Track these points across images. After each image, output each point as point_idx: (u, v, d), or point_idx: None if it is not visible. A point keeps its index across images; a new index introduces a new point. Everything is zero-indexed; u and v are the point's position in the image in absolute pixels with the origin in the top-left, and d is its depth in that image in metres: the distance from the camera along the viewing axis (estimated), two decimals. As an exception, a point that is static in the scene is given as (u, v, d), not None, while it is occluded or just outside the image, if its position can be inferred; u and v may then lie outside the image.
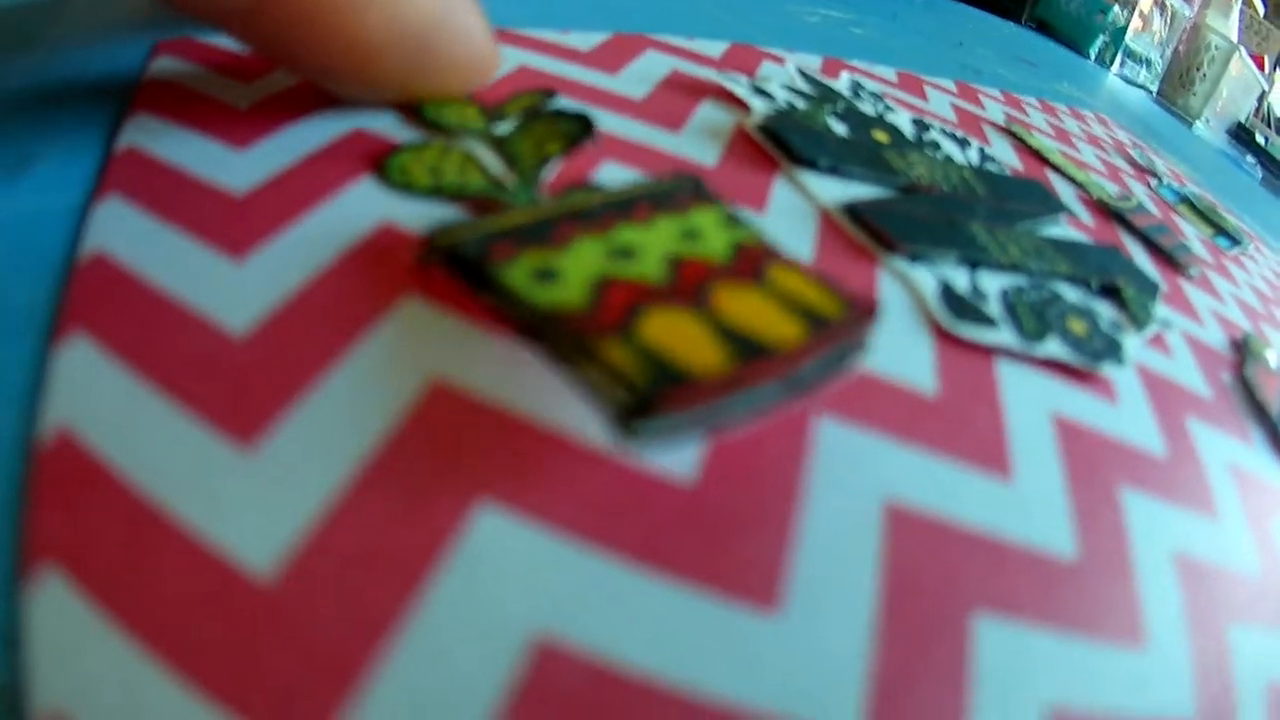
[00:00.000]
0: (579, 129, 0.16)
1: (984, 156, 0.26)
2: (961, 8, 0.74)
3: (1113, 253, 0.22)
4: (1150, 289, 0.22)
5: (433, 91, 0.15)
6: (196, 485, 0.09)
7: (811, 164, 0.20)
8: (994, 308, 0.17)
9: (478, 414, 0.10)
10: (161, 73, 0.15)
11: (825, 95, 0.24)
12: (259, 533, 0.08)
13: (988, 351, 0.16)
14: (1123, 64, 0.85)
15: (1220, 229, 0.37)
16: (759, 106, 0.22)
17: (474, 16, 0.14)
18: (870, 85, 0.27)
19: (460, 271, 0.11)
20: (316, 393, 0.10)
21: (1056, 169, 0.30)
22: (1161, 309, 0.21)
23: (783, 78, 0.24)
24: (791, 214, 0.18)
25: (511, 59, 0.20)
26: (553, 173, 0.15)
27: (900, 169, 0.21)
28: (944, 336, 0.16)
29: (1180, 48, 0.86)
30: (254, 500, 0.09)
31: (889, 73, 0.33)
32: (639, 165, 0.17)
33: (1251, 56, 0.93)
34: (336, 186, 0.13)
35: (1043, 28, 0.92)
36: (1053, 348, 0.16)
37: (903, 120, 0.25)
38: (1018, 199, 0.23)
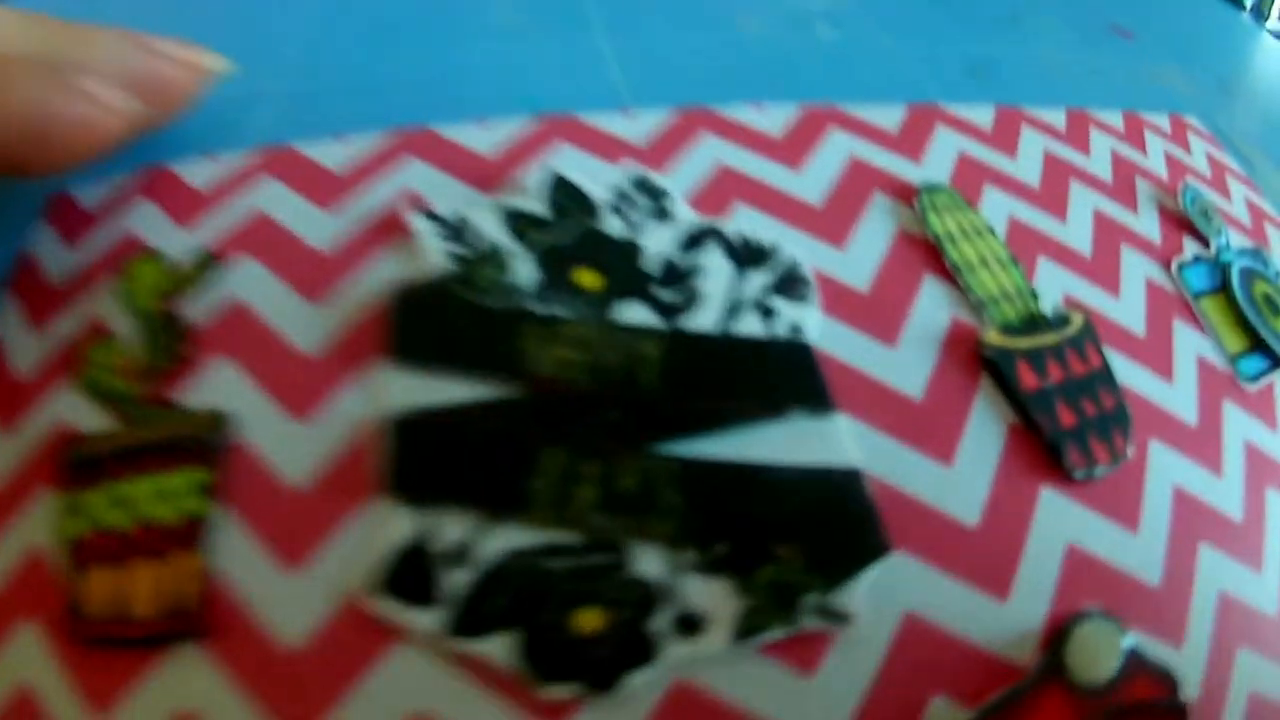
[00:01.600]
0: (176, 344, 0.17)
1: (777, 284, 0.19)
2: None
3: (839, 490, 0.16)
4: (851, 559, 0.15)
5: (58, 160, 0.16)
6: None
7: (404, 359, 0.17)
8: (457, 580, 0.14)
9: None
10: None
11: (560, 212, 0.19)
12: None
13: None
14: (1288, 11, 0.67)
15: (1259, 341, 0.26)
16: (434, 254, 0.18)
17: (70, 99, 0.16)
18: (658, 180, 0.20)
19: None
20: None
21: (953, 273, 0.21)
22: (855, 595, 0.15)
23: (523, 191, 0.19)
24: (333, 427, 0.16)
25: (248, 201, 0.19)
26: (159, 385, 0.16)
27: (530, 356, 0.16)
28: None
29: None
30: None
31: (777, 120, 0.24)
32: (245, 364, 0.17)
33: None
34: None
35: (1198, -35, 0.74)
36: (490, 646, 0.14)
37: (664, 238, 0.19)
38: (727, 390, 0.17)
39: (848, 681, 0.14)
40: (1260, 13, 0.66)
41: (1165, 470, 0.20)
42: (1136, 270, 0.26)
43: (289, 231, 0.19)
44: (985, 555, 0.16)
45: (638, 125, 0.22)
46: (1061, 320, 0.21)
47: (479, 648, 0.13)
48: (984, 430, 0.18)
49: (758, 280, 0.18)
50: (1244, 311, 0.27)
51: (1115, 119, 0.34)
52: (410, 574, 0.14)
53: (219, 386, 0.16)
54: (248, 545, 0.15)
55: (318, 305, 0.17)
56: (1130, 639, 0.15)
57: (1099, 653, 0.15)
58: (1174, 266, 0.27)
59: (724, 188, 0.21)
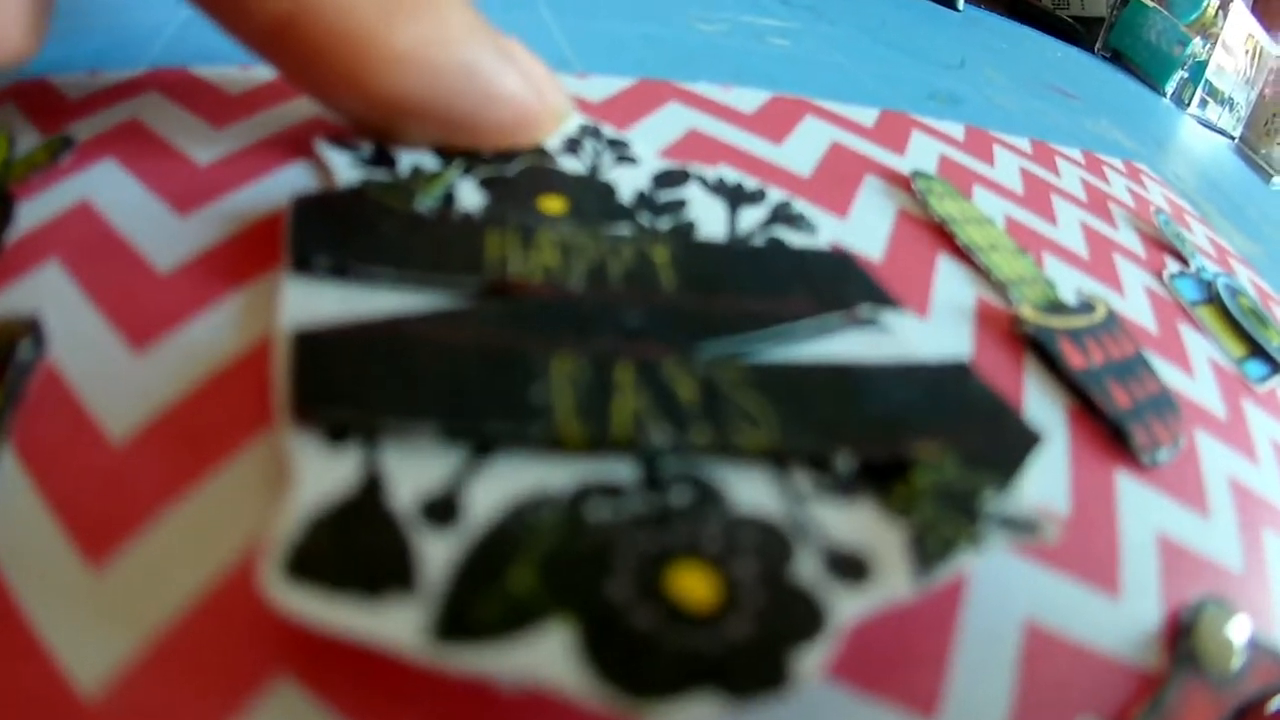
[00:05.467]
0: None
1: (774, 217, 0.15)
2: (998, 25, 0.62)
3: (956, 380, 0.12)
4: (1009, 448, 0.11)
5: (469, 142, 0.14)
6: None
7: (308, 266, 0.11)
8: (438, 551, 0.08)
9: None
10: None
11: (501, 153, 0.15)
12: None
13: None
14: (1202, 104, 0.71)
15: (1256, 346, 0.25)
16: (343, 169, 0.13)
17: (510, 75, 0.14)
18: (609, 131, 0.16)
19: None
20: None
21: (967, 254, 0.19)
22: (1019, 503, 0.10)
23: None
24: (183, 363, 0.11)
25: (124, 110, 0.15)
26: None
27: (500, 260, 0.12)
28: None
29: (1265, 91, 0.72)
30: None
31: (747, 100, 0.22)
32: (79, 273, 0.12)
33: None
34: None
35: (1117, 59, 0.79)
36: (529, 655, 0.07)
37: (634, 176, 0.15)
38: (769, 290, 0.13)
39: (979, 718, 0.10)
40: (1180, 100, 0.70)
41: (1216, 458, 0.18)
42: (1134, 277, 0.24)
43: (165, 140, 0.14)
44: (1086, 548, 0.13)
45: (594, 86, 0.20)
46: (1087, 307, 0.19)
47: (506, 660, 0.07)
48: (1045, 412, 0.15)
49: (753, 214, 0.15)
50: (1239, 321, 0.25)
51: (1075, 153, 0.34)
52: (352, 544, 0.08)
53: (39, 295, 0.11)
54: (38, 509, 0.09)
55: (186, 218, 0.13)
56: (1248, 624, 0.13)
57: (1227, 642, 0.12)
58: (1165, 277, 0.26)
59: (701, 151, 0.18)
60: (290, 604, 0.07)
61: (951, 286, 0.17)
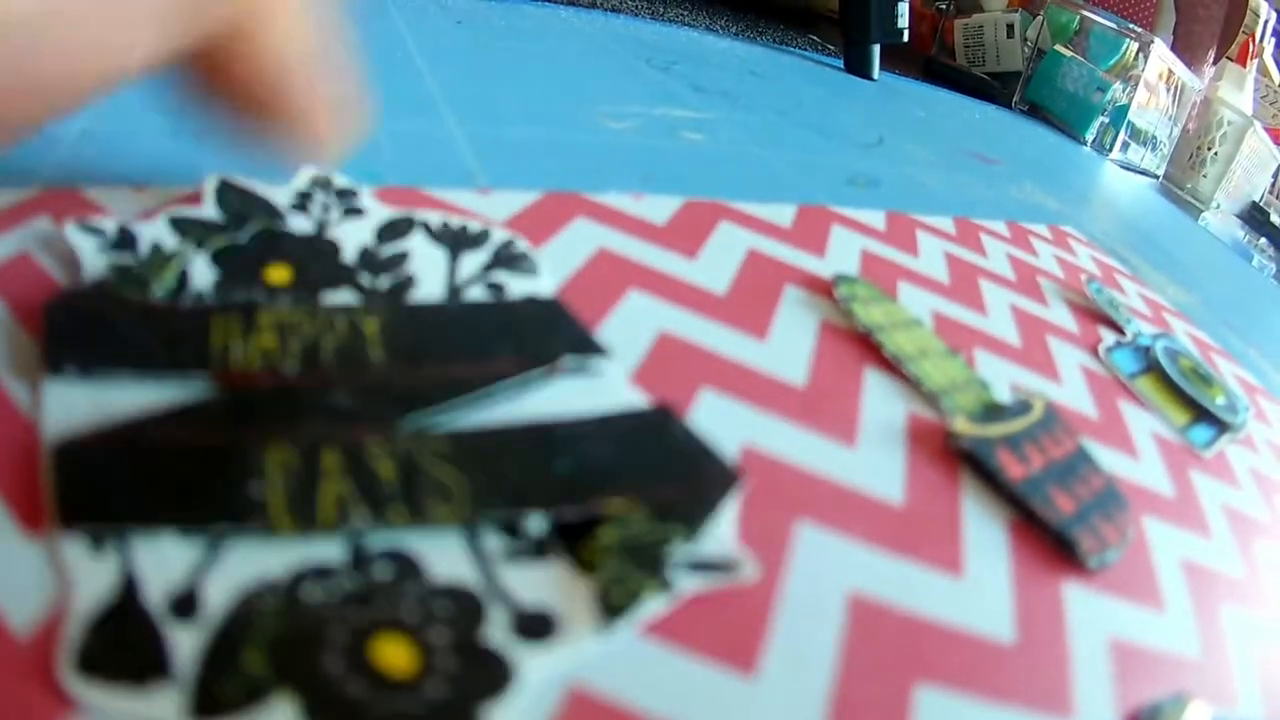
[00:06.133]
0: None
1: (495, 261, 0.17)
2: (914, 91, 0.64)
3: (655, 427, 0.14)
4: (704, 493, 0.13)
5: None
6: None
7: (61, 371, 0.12)
8: (187, 640, 0.09)
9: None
10: None
11: (236, 218, 0.16)
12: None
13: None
14: (1125, 147, 0.73)
15: (1200, 410, 0.25)
16: (92, 264, 0.14)
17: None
18: (343, 180, 0.17)
19: None
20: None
21: (895, 365, 0.18)
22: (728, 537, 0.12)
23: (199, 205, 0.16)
24: None
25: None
26: None
27: (223, 349, 0.13)
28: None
29: (1189, 125, 0.75)
30: None
31: (659, 210, 0.22)
32: None
33: (1267, 130, 0.81)
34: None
35: (1035, 111, 0.82)
36: None
37: (358, 231, 0.16)
38: (476, 352, 0.14)
39: None
40: (1102, 146, 0.72)
41: (1167, 544, 0.17)
42: (1069, 358, 0.24)
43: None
44: (1036, 674, 0.12)
45: (497, 204, 0.19)
46: (1023, 407, 0.19)
47: None
48: (984, 532, 0.15)
49: (474, 259, 0.16)
50: (1180, 386, 0.25)
51: (1000, 227, 0.34)
52: (120, 641, 0.09)
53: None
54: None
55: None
56: (1208, 710, 0.12)
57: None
58: (1101, 352, 0.26)
59: (610, 273, 0.18)
60: (84, 697, 0.08)
61: (881, 405, 0.17)
